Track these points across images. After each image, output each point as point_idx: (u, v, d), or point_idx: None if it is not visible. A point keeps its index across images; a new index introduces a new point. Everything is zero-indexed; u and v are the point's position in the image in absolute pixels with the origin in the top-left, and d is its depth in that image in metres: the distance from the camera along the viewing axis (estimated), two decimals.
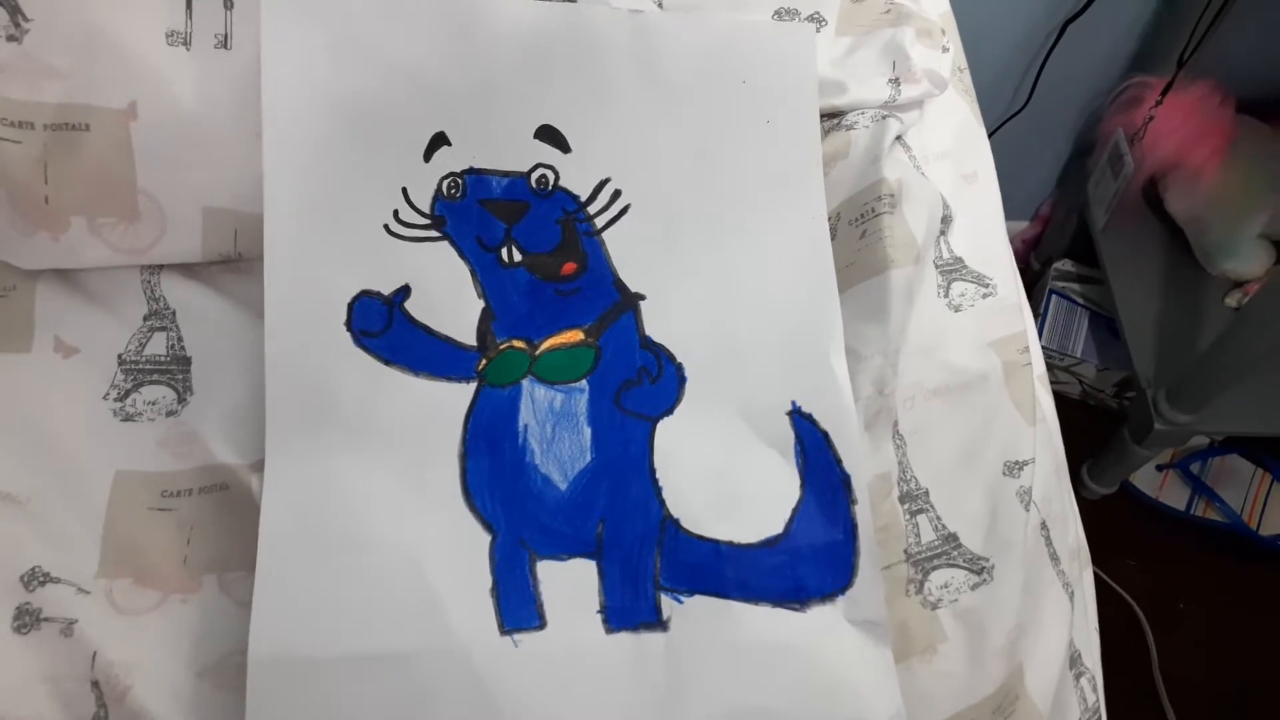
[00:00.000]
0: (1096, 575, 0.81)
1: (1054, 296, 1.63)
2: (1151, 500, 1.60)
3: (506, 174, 0.70)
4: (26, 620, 0.61)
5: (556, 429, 0.68)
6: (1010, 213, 0.86)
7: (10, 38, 0.63)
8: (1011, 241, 0.83)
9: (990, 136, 0.89)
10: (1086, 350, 1.58)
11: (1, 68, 0.63)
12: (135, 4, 0.65)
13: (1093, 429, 1.54)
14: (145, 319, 0.69)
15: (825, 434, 0.69)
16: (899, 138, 0.79)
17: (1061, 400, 0.82)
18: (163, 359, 0.68)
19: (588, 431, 0.68)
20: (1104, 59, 1.41)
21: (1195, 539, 1.58)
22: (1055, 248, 1.68)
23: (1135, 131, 1.37)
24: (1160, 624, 1.49)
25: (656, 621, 0.64)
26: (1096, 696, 0.75)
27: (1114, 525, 1.55)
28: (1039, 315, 1.59)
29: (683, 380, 0.70)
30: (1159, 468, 1.61)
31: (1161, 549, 1.57)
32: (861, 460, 0.69)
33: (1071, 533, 0.78)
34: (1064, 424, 0.82)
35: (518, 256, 0.70)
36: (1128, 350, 1.43)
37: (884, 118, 0.79)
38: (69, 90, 0.64)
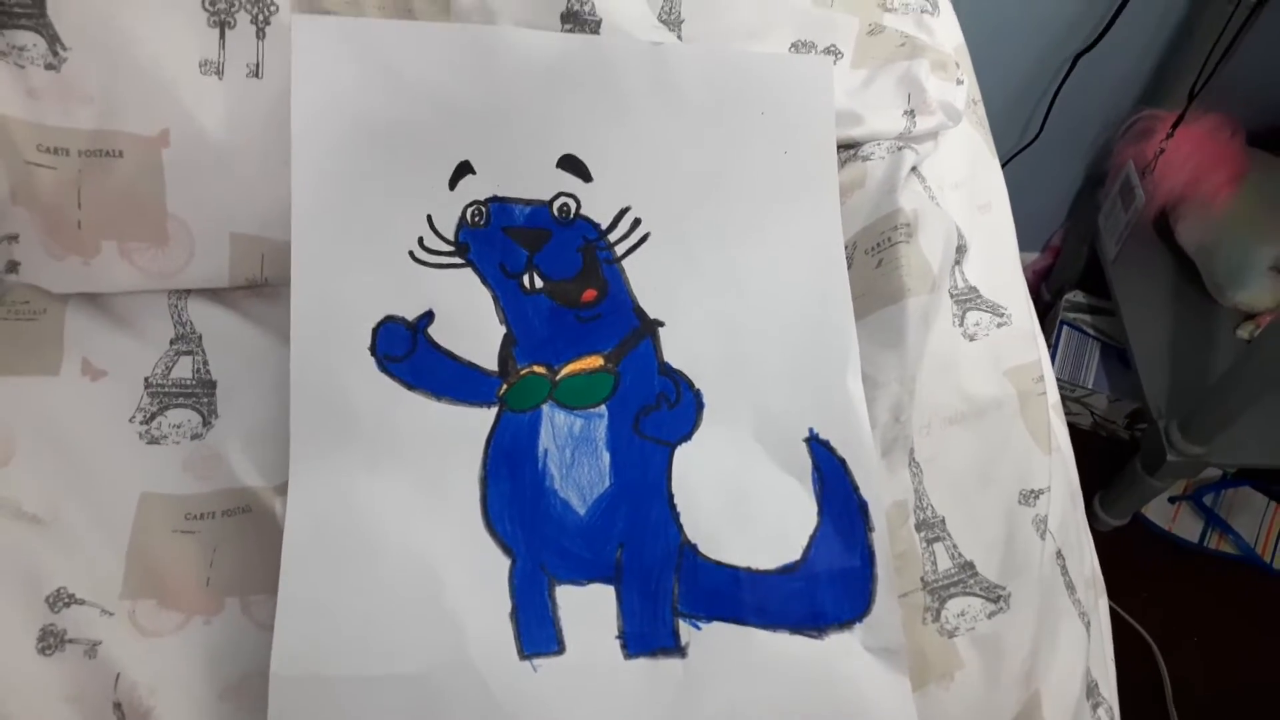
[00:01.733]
0: (1109, 607, 0.81)
1: (1065, 327, 1.63)
2: (1164, 532, 1.59)
3: (529, 202, 0.72)
4: (51, 641, 0.61)
5: (576, 454, 0.68)
6: (1021, 244, 0.86)
7: (49, 66, 0.64)
8: (1023, 272, 0.84)
9: (1002, 168, 0.90)
10: (1098, 381, 1.58)
11: (39, 95, 0.64)
12: (170, 34, 0.66)
13: (1104, 460, 1.54)
14: (172, 343, 0.70)
15: (842, 461, 0.70)
16: (914, 168, 0.80)
17: (1073, 431, 0.82)
18: (189, 382, 0.69)
19: (607, 456, 0.69)
20: (1115, 91, 1.42)
21: (1208, 571, 1.57)
22: (1066, 279, 1.69)
23: (1146, 163, 1.37)
24: (1173, 657, 1.48)
25: (675, 647, 0.65)
26: None
27: (1126, 557, 1.54)
28: (1050, 346, 1.59)
29: (701, 406, 0.71)
30: (1171, 499, 1.60)
31: (1174, 581, 1.56)
32: (879, 487, 0.69)
33: (1087, 562, 0.78)
34: (1076, 455, 0.82)
35: (539, 283, 0.71)
36: (1139, 381, 1.43)
37: (900, 149, 0.80)
38: (103, 117, 0.65)
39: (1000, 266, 0.83)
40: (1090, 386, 1.58)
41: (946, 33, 0.89)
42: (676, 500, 0.68)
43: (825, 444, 0.70)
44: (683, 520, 0.68)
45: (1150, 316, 1.48)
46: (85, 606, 0.62)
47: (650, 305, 0.72)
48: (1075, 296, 1.65)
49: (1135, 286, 1.51)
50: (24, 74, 0.65)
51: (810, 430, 0.71)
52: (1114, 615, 0.81)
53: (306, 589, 0.62)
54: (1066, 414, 0.80)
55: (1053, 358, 1.58)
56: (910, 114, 0.80)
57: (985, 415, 0.74)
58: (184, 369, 0.70)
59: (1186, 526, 1.59)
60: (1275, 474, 1.60)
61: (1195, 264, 1.49)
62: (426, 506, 0.66)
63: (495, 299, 0.71)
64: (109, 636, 0.62)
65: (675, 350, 0.72)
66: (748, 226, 0.74)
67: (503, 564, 0.65)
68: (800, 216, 0.75)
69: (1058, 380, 1.54)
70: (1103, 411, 1.62)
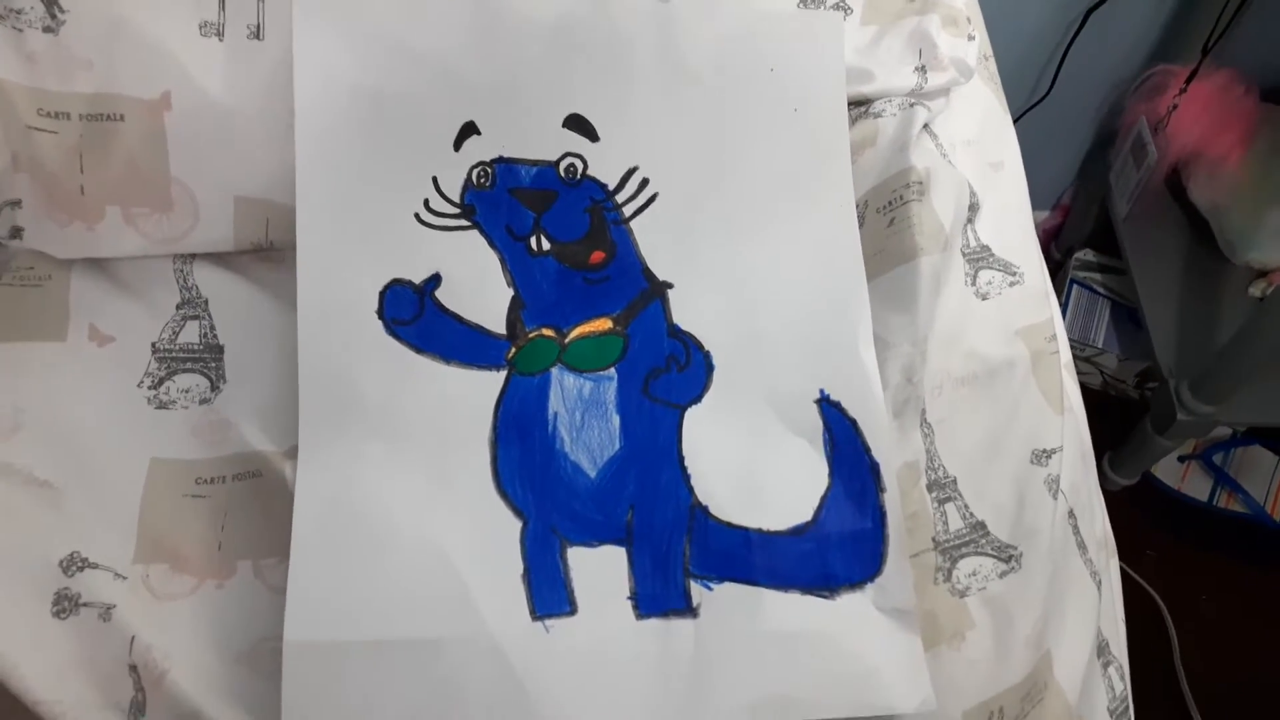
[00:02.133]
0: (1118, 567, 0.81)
1: (1075, 286, 1.62)
2: (1173, 491, 1.59)
3: (535, 163, 0.71)
4: (66, 605, 0.62)
5: (586, 416, 0.68)
6: (1032, 202, 0.85)
7: (46, 29, 0.64)
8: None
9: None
10: (1108, 340, 1.58)
11: (38, 59, 0.64)
12: None
13: (1114, 420, 1.53)
14: (178, 308, 0.70)
15: (854, 422, 0.69)
16: (926, 126, 0.79)
17: (1083, 391, 0.81)
18: (196, 347, 0.69)
19: (616, 419, 0.69)
20: (1127, 47, 1.40)
21: (1217, 530, 1.57)
22: (1077, 237, 1.67)
23: (1158, 120, 1.36)
24: (1182, 616, 1.48)
25: (686, 608, 0.65)
26: (1124, 685, 0.75)
27: (1135, 517, 1.55)
28: (1060, 305, 1.58)
29: (710, 368, 0.70)
30: (1181, 459, 1.60)
31: (1183, 540, 1.56)
32: (890, 448, 0.69)
33: (1099, 522, 0.78)
34: (1086, 415, 0.82)
35: (546, 245, 0.71)
36: (1150, 340, 1.42)
37: (911, 106, 0.79)
38: (104, 81, 0.65)
39: (1012, 225, 0.82)
40: (1100, 346, 1.57)
41: None
42: (687, 462, 0.68)
43: (836, 405, 0.70)
44: (693, 482, 0.68)
45: (1161, 275, 1.47)
46: (98, 570, 0.63)
47: (659, 267, 0.72)
48: (1086, 255, 1.64)
49: (1146, 245, 1.50)
50: (22, 37, 0.64)
51: (821, 391, 0.70)
52: (1123, 575, 0.81)
53: (318, 553, 0.62)
54: (1077, 374, 0.79)
55: (1063, 317, 1.57)
56: (921, 70, 0.79)
57: (997, 375, 0.74)
58: (191, 334, 0.69)
59: (1196, 486, 1.59)
60: None
61: (1207, 222, 1.48)
62: (436, 470, 0.66)
63: (502, 261, 0.70)
64: (123, 600, 0.62)
65: (685, 312, 0.71)
66: (758, 187, 0.74)
67: (514, 526, 0.65)
68: (811, 176, 0.74)
69: (1068, 339, 1.54)
70: (1113, 371, 1.61)
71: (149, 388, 0.68)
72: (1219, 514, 1.58)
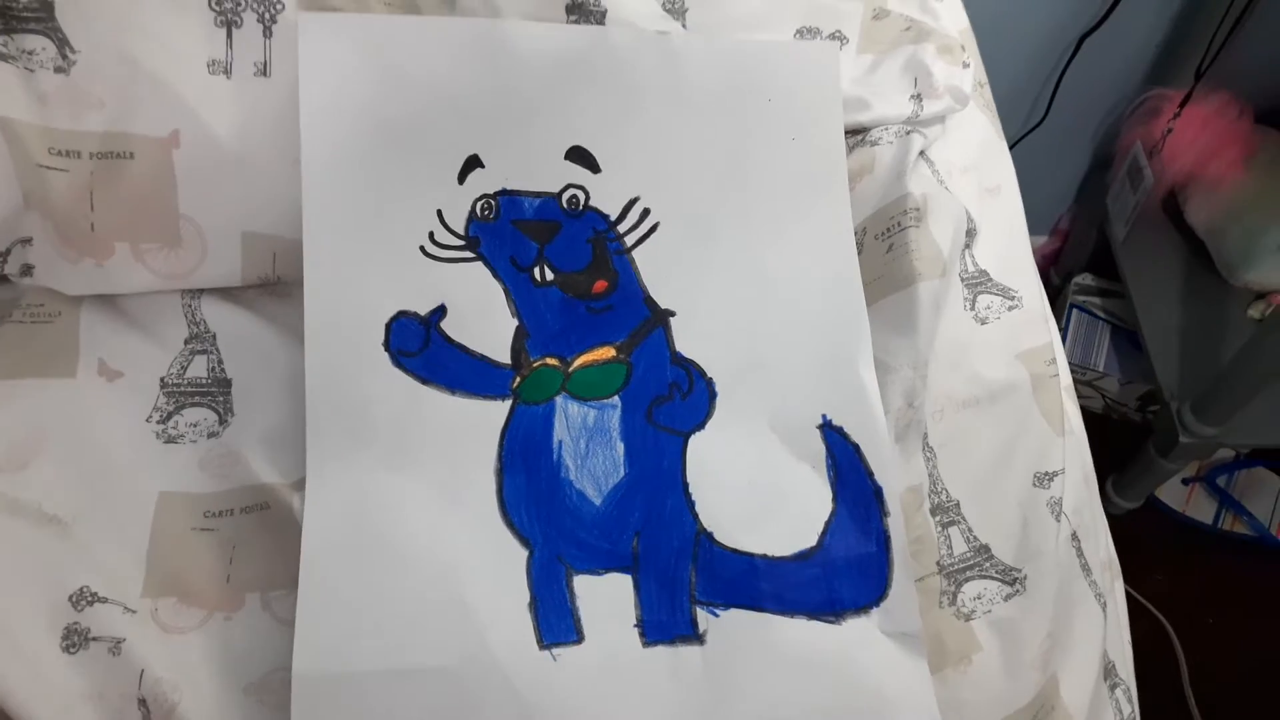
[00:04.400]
0: (1124, 590, 0.81)
1: (1075, 311, 1.63)
2: (1178, 514, 1.59)
3: (538, 194, 0.72)
4: (75, 640, 0.62)
5: (590, 445, 0.69)
6: (1029, 227, 0.86)
7: (58, 70, 0.65)
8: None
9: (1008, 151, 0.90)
10: (1109, 364, 1.58)
11: (49, 99, 0.65)
12: (178, 34, 0.66)
13: (1117, 443, 1.54)
14: (186, 342, 0.70)
15: (856, 447, 0.70)
16: (923, 153, 0.80)
17: (1085, 415, 0.82)
18: (204, 381, 0.70)
19: (621, 447, 0.69)
20: (1121, 72, 1.42)
21: (1223, 552, 1.57)
22: (1075, 262, 1.68)
23: (1154, 144, 1.37)
24: (1189, 639, 1.48)
25: (693, 635, 0.65)
26: (1132, 708, 0.75)
27: (1141, 540, 1.54)
28: (1060, 330, 1.59)
29: (713, 395, 0.71)
30: (1185, 481, 1.60)
31: (1189, 563, 1.55)
32: (893, 472, 0.69)
33: (1102, 544, 0.78)
34: (1088, 439, 0.82)
35: (550, 275, 0.71)
36: (1151, 363, 1.42)
37: (908, 133, 0.80)
38: (114, 119, 0.66)
39: (1010, 249, 0.83)
40: (1101, 369, 1.58)
41: (951, 16, 0.89)
42: (692, 489, 0.68)
43: (839, 430, 0.70)
44: (698, 509, 0.68)
45: (1160, 298, 1.48)
46: (108, 605, 0.63)
47: (661, 295, 0.72)
48: (1084, 279, 1.65)
49: (1145, 268, 1.51)
50: (34, 78, 0.65)
51: (824, 417, 0.71)
52: (1129, 598, 0.81)
53: (326, 584, 0.63)
54: (1078, 398, 0.80)
55: (1063, 341, 1.58)
56: (917, 98, 0.80)
57: (998, 399, 0.74)
58: (199, 368, 0.70)
59: (1200, 508, 1.59)
60: None
61: (1205, 244, 1.49)
62: (443, 500, 0.66)
63: (506, 292, 0.71)
64: (132, 634, 0.62)
65: (687, 340, 0.72)
66: (757, 214, 0.74)
67: (520, 555, 0.65)
68: (810, 203, 0.75)
69: (1069, 364, 1.54)
70: (1114, 394, 1.61)
71: (158, 422, 0.68)
72: (1224, 536, 1.57)
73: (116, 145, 0.66)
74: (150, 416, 0.69)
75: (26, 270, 0.68)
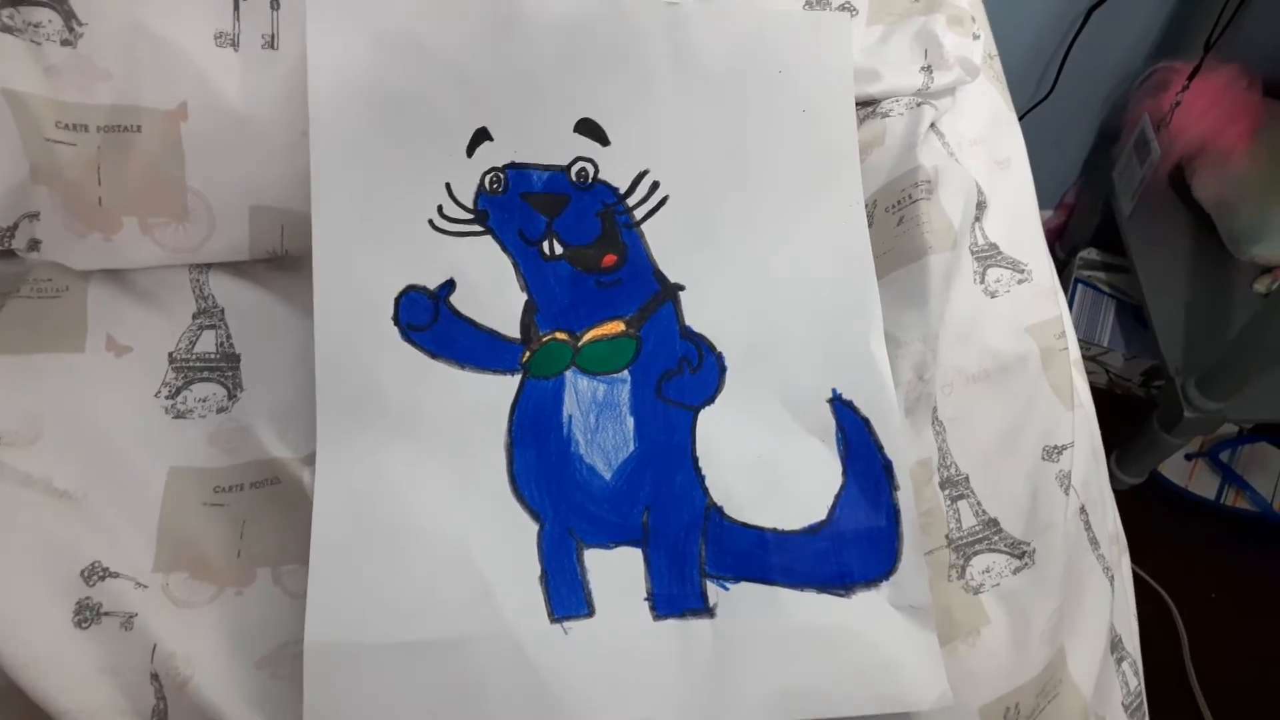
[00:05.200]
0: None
1: (1080, 285, 1.62)
2: (1181, 490, 1.59)
3: (547, 168, 0.71)
4: (87, 615, 0.62)
5: (600, 419, 0.69)
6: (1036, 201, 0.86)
7: (65, 42, 0.64)
8: None
9: None
10: (1114, 339, 1.58)
11: (56, 72, 0.64)
12: (185, 7, 0.66)
13: (1121, 419, 1.54)
14: (195, 317, 0.70)
15: (866, 420, 0.70)
16: (933, 125, 0.80)
17: (1090, 390, 0.82)
18: (213, 356, 0.70)
19: (631, 421, 0.69)
20: (1129, 45, 1.41)
21: (1226, 528, 1.58)
22: (1081, 236, 1.68)
23: (1161, 117, 1.36)
24: (1191, 614, 1.48)
25: (703, 608, 0.65)
26: (1138, 681, 0.75)
27: (1144, 515, 1.54)
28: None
29: (723, 369, 0.71)
30: (1188, 457, 1.60)
31: (1192, 538, 1.56)
32: (903, 446, 0.69)
33: (1110, 517, 0.79)
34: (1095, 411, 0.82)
35: (559, 249, 0.71)
36: (1155, 338, 1.42)
37: (918, 105, 0.79)
38: (121, 92, 0.65)
39: (1020, 223, 0.82)
40: (1106, 345, 1.58)
41: None
42: (701, 463, 0.68)
43: (849, 404, 0.70)
44: (708, 483, 0.68)
45: (1166, 272, 1.48)
46: (119, 580, 0.63)
47: (670, 269, 0.72)
48: (1090, 254, 1.65)
49: (1151, 242, 1.50)
50: (41, 50, 0.64)
51: (834, 390, 0.71)
52: (1132, 574, 0.81)
53: (337, 558, 0.63)
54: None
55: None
56: (928, 69, 0.80)
57: (1008, 372, 0.74)
58: (207, 343, 0.70)
59: (1203, 483, 1.59)
60: None
61: (1211, 218, 1.48)
62: (453, 474, 0.66)
63: (515, 266, 0.71)
64: (144, 609, 0.62)
65: (697, 314, 0.72)
66: (767, 187, 0.74)
67: (530, 529, 0.65)
68: (821, 175, 0.75)
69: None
70: (1119, 370, 1.61)
71: (166, 397, 0.68)
72: (1227, 511, 1.58)
73: (124, 118, 0.66)
74: (159, 392, 0.68)
75: (34, 245, 0.68)
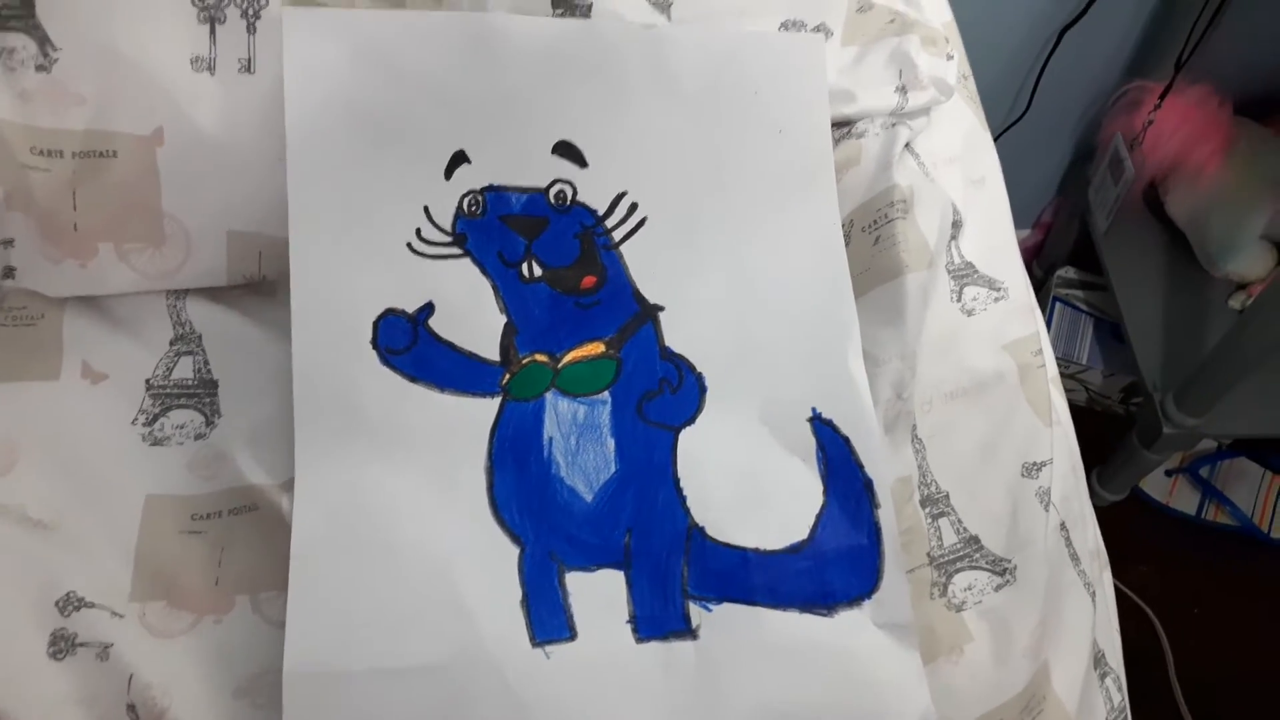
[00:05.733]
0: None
1: (1058, 304, 1.64)
2: (1162, 505, 1.60)
3: (525, 190, 0.71)
4: (62, 645, 0.61)
5: (581, 441, 0.68)
6: (1013, 220, 0.87)
7: (39, 67, 0.64)
8: None
9: None
10: (1092, 357, 1.59)
11: (30, 97, 0.64)
12: (161, 31, 0.66)
13: (1101, 436, 1.55)
14: (172, 343, 0.70)
15: (846, 439, 0.70)
16: (908, 144, 0.81)
17: (1069, 408, 0.82)
18: (190, 383, 0.69)
19: (611, 443, 0.69)
20: (1101, 65, 1.42)
21: (1207, 543, 1.58)
22: (1058, 255, 1.69)
23: (1135, 136, 1.38)
24: (1175, 629, 1.49)
25: (686, 629, 0.65)
26: (1122, 696, 0.75)
27: (1125, 531, 1.55)
28: (1044, 323, 1.60)
29: (703, 389, 0.71)
30: (1168, 473, 1.61)
31: (1174, 554, 1.57)
32: (883, 465, 0.69)
33: (1090, 533, 0.79)
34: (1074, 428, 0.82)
35: (538, 271, 0.71)
36: (1134, 355, 1.43)
37: (893, 125, 0.80)
38: (96, 117, 0.65)
39: (996, 241, 0.83)
40: (1085, 362, 1.59)
41: (935, 9, 0.89)
42: (683, 484, 0.68)
43: (829, 423, 0.70)
44: (689, 503, 0.68)
45: (1143, 290, 1.49)
46: (95, 609, 0.62)
47: (650, 290, 0.72)
48: (1067, 272, 1.66)
49: (1127, 260, 1.52)
50: (14, 76, 0.64)
51: (813, 410, 0.71)
52: (1115, 589, 0.81)
53: (316, 584, 0.62)
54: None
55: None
56: (902, 90, 0.80)
57: (986, 389, 0.75)
58: (185, 369, 0.69)
59: (1184, 499, 1.60)
60: (1270, 444, 1.61)
61: (1186, 236, 1.50)
62: (433, 498, 0.66)
63: (495, 288, 0.70)
64: (120, 638, 0.61)
65: (676, 335, 0.72)
66: (745, 207, 0.74)
67: (511, 552, 0.65)
68: (797, 195, 0.75)
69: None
70: (1098, 387, 1.62)
71: (143, 424, 0.68)
72: (1208, 527, 1.59)
73: (99, 144, 0.65)
74: (136, 419, 0.68)
75: (8, 272, 0.68)
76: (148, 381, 0.69)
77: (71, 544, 0.64)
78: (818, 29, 0.80)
